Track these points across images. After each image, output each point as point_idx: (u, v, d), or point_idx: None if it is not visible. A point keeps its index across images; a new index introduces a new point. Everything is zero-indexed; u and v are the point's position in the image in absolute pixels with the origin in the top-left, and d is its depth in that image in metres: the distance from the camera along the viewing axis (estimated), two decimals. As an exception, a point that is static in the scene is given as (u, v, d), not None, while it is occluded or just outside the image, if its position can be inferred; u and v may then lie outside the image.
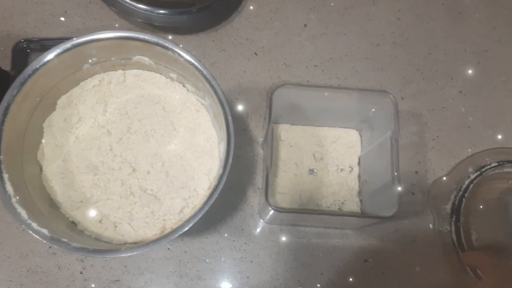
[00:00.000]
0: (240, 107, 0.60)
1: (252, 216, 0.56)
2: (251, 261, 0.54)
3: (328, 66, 0.64)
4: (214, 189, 0.41)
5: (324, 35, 0.65)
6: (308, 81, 0.62)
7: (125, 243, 0.43)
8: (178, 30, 0.63)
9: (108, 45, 0.45)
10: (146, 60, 0.48)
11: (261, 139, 0.59)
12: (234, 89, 0.61)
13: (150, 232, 0.45)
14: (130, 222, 0.45)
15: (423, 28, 0.67)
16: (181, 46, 0.45)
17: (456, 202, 0.54)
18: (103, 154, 0.47)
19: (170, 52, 0.44)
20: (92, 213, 0.44)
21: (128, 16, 0.62)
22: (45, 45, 0.57)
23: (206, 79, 0.43)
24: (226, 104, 0.43)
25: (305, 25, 0.65)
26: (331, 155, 0.57)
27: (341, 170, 0.56)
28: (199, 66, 0.44)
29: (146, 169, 0.47)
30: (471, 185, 0.54)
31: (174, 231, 0.39)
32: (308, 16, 0.66)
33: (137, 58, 0.48)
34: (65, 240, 0.38)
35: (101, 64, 0.48)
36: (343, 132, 0.58)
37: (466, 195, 0.54)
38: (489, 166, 0.56)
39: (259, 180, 0.57)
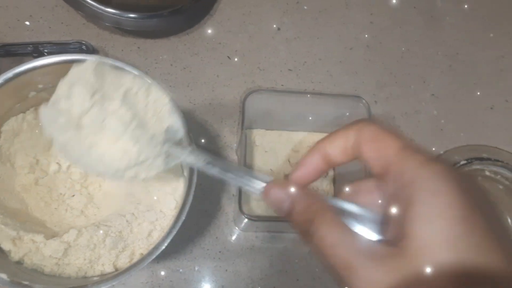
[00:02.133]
0: (213, 112, 0.59)
1: (227, 224, 0.55)
2: (226, 270, 0.53)
3: (303, 70, 0.63)
4: (181, 211, 0.39)
5: (298, 39, 0.65)
6: (282, 85, 0.62)
7: (91, 276, 0.40)
8: (148, 34, 0.61)
9: (54, 70, 0.41)
10: None
11: (235, 145, 0.58)
12: (208, 94, 0.60)
13: (118, 261, 0.42)
14: (93, 259, 0.42)
15: (396, 31, 0.67)
16: (132, 67, 0.41)
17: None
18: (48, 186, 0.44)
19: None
20: (51, 249, 0.41)
21: (96, 20, 0.60)
22: (9, 50, 0.55)
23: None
24: (184, 123, 0.39)
25: (279, 29, 0.65)
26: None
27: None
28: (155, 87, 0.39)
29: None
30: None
31: (143, 259, 0.37)
32: (281, 20, 0.65)
33: None
34: (27, 283, 0.36)
35: (49, 90, 0.44)
36: (318, 136, 0.58)
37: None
38: (458, 164, 0.56)
39: (233, 187, 0.56)
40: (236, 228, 0.55)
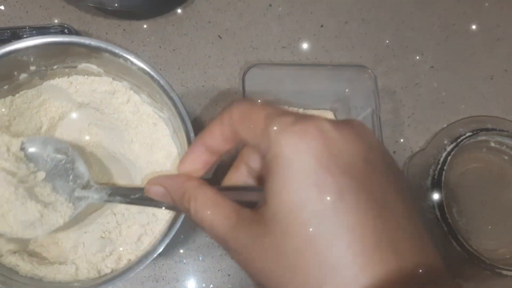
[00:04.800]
0: (207, 95, 0.56)
1: (229, 210, 0.52)
2: (232, 258, 0.50)
3: (297, 46, 0.60)
4: (176, 218, 0.36)
5: (291, 15, 0.62)
6: (282, 62, 0.59)
7: (72, 282, 0.36)
8: (133, 15, 0.58)
9: (47, 52, 0.38)
10: (93, 68, 0.41)
11: (232, 128, 0.55)
12: (200, 75, 0.57)
13: (103, 265, 0.38)
14: (76, 260, 0.38)
15: (389, 3, 0.65)
16: (134, 55, 0.38)
17: (436, 176, 0.53)
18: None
19: (121, 60, 0.38)
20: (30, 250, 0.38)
21: (76, 1, 0.56)
22: (-17, 37, 0.51)
23: (164, 90, 0.37)
24: (187, 118, 0.37)
25: (270, 5, 0.62)
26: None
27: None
28: (155, 76, 0.38)
29: None
30: (449, 157, 0.53)
31: (130, 268, 0.34)
32: (272, -5, 0.63)
33: (83, 66, 0.41)
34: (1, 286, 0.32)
35: (42, 73, 0.41)
36: (318, 113, 0.55)
37: (445, 167, 0.52)
38: (464, 136, 0.54)
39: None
40: (239, 214, 0.52)
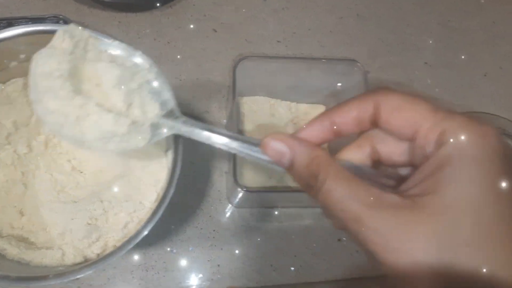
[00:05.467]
0: (201, 88, 0.57)
1: (220, 202, 0.53)
2: (221, 249, 0.51)
3: (292, 41, 0.61)
4: (160, 203, 0.36)
5: (286, 9, 0.62)
6: (274, 56, 0.59)
7: (58, 266, 0.37)
8: (130, 7, 0.58)
9: (37, 40, 0.38)
10: None
11: (224, 121, 0.55)
12: (194, 69, 0.57)
13: (89, 251, 0.39)
14: (63, 246, 0.38)
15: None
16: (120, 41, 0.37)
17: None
18: (23, 164, 0.41)
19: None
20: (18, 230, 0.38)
21: (74, -7, 0.57)
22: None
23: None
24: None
25: (266, 0, 0.62)
26: (300, 133, 0.54)
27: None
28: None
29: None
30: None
31: (112, 253, 0.34)
32: (268, -10, 0.63)
33: None
34: None
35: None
36: (310, 108, 0.56)
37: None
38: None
39: (225, 164, 0.54)
40: (230, 205, 0.53)
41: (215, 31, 0.60)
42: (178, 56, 0.58)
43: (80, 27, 0.32)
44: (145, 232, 0.34)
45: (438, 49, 0.63)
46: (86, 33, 0.33)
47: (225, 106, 0.56)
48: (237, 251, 0.51)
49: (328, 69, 0.50)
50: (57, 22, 0.53)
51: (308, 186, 0.26)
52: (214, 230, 0.52)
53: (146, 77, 0.34)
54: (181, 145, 0.37)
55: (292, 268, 0.51)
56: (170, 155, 0.37)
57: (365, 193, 0.23)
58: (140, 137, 0.32)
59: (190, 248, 0.51)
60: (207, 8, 0.60)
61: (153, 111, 0.33)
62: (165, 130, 0.33)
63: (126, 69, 0.32)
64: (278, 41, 0.61)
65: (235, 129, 0.44)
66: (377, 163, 0.28)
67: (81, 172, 0.42)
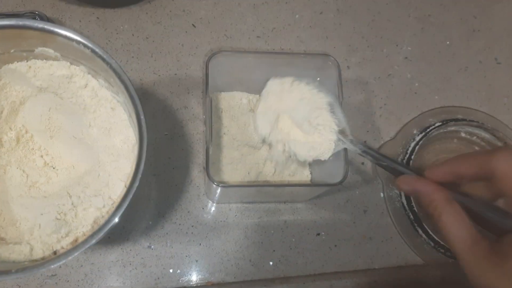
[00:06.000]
0: (179, 83, 0.56)
1: (199, 197, 0.53)
2: (200, 244, 0.51)
3: (272, 36, 0.61)
4: (125, 196, 0.35)
5: (265, 4, 0.62)
6: (248, 50, 0.59)
7: (25, 261, 0.36)
8: (107, 3, 0.58)
9: (2, 36, 0.38)
10: (50, 52, 0.41)
11: (203, 116, 0.55)
12: (172, 64, 0.57)
13: (58, 246, 0.38)
14: (31, 241, 0.38)
15: (366, -6, 0.65)
16: (87, 38, 0.38)
17: (404, 166, 0.53)
18: None
19: (74, 43, 0.37)
20: None
21: (50, -11, 0.56)
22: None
23: (115, 72, 0.37)
24: (137, 100, 0.37)
25: (245, -6, 0.62)
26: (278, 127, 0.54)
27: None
28: (106, 58, 0.37)
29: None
30: (417, 147, 0.53)
31: (76, 247, 0.34)
32: (247, -15, 0.63)
33: (40, 50, 0.41)
34: None
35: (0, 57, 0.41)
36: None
37: (412, 157, 0.53)
38: (433, 126, 0.55)
39: (203, 160, 0.54)
40: (209, 201, 0.53)
41: (194, 26, 0.59)
42: (156, 52, 0.57)
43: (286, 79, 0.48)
44: (109, 226, 0.34)
45: (417, 44, 0.64)
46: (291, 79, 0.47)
47: (204, 101, 0.56)
48: (215, 246, 0.51)
49: (305, 64, 0.50)
50: (34, 18, 0.52)
51: (429, 214, 0.34)
52: (192, 226, 0.52)
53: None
54: (145, 135, 0.36)
55: (271, 263, 0.51)
56: (136, 149, 0.36)
57: (467, 236, 0.31)
58: (327, 148, 0.46)
59: (168, 244, 0.51)
60: (186, 3, 0.60)
61: (334, 127, 0.45)
62: (340, 143, 0.45)
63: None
64: (258, 36, 0.60)
65: (208, 127, 0.43)
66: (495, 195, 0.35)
67: (53, 168, 0.42)
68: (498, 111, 0.61)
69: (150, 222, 0.51)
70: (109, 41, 0.57)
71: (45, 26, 0.36)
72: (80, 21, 0.57)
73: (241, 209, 0.53)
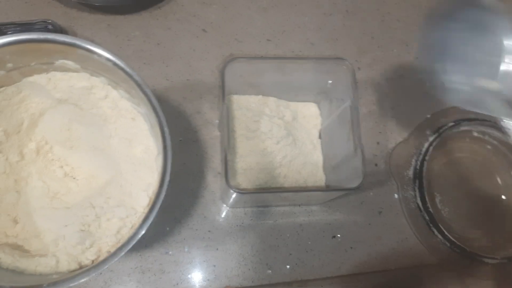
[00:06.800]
0: (192, 89, 0.57)
1: (214, 202, 0.53)
2: (217, 249, 0.51)
3: (281, 39, 0.61)
4: (152, 208, 0.36)
5: (275, 7, 0.62)
6: (262, 56, 0.59)
7: (52, 274, 0.37)
8: (118, 10, 0.58)
9: (23, 49, 0.38)
10: (70, 64, 0.42)
11: (217, 121, 0.56)
12: (184, 69, 0.57)
13: (83, 257, 0.39)
14: (57, 253, 0.38)
15: (374, -5, 0.65)
16: (108, 51, 0.38)
17: (418, 166, 0.54)
18: (16, 171, 0.41)
19: (95, 56, 0.38)
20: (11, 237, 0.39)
21: (61, -3, 0.56)
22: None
23: (138, 85, 0.38)
24: (161, 112, 0.37)
25: (255, -2, 0.62)
26: (292, 132, 0.54)
27: (303, 145, 0.54)
28: (129, 71, 0.38)
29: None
30: (431, 148, 0.54)
31: (105, 260, 0.34)
32: (256, -12, 0.63)
33: (60, 62, 0.41)
34: None
35: (19, 70, 0.41)
36: (302, 106, 0.56)
37: (426, 158, 0.53)
38: (446, 127, 0.55)
39: (218, 164, 0.54)
40: (224, 205, 0.53)
41: (205, 31, 0.60)
42: (168, 57, 0.58)
43: None
44: (138, 238, 0.34)
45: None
46: None
47: (217, 106, 0.56)
48: (232, 251, 0.51)
49: (317, 67, 0.50)
50: (46, 27, 0.53)
51: None
52: (209, 231, 0.52)
53: None
54: (170, 148, 0.37)
55: (288, 266, 0.52)
56: (160, 159, 0.37)
57: None
58: None
59: (186, 249, 0.51)
60: (196, 9, 0.60)
61: None
62: None
63: None
64: (268, 40, 0.61)
65: (226, 130, 0.44)
66: None
67: (74, 178, 0.42)
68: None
69: (168, 228, 0.51)
70: (121, 47, 0.57)
71: (66, 40, 0.36)
72: (91, 28, 0.57)
73: (256, 213, 0.53)
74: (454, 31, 0.36)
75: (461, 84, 0.36)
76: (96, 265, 0.33)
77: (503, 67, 0.34)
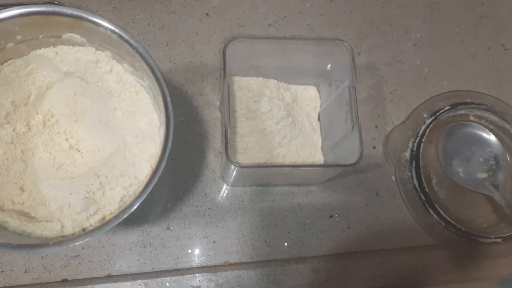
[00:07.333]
0: (194, 71, 0.58)
1: (215, 181, 0.54)
2: (217, 226, 0.53)
3: (283, 24, 0.62)
4: (153, 175, 0.37)
5: (277, -7, 0.63)
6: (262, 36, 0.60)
7: (57, 237, 0.38)
8: (123, -7, 0.59)
9: (32, 22, 0.39)
10: (77, 37, 0.43)
11: (218, 103, 0.57)
12: (187, 52, 0.59)
13: (87, 223, 0.40)
14: (62, 219, 0.40)
15: (375, -18, 0.66)
16: (114, 24, 0.40)
17: (414, 148, 0.55)
18: (23, 142, 0.42)
19: (101, 29, 0.39)
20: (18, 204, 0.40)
21: (67, -20, 0.58)
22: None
23: (142, 57, 0.39)
24: (164, 83, 0.39)
25: (257, -16, 0.63)
26: (291, 113, 0.55)
27: (303, 126, 0.55)
28: (133, 43, 0.39)
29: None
30: (427, 130, 0.55)
31: (108, 222, 0.36)
32: (259, -26, 0.64)
33: (67, 35, 0.42)
34: None
35: (28, 42, 0.42)
36: (302, 89, 0.57)
37: (423, 140, 0.54)
38: (443, 110, 0.56)
39: (219, 144, 0.55)
40: (225, 184, 0.54)
41: (207, 15, 0.61)
42: (172, 40, 0.59)
43: None
44: (139, 202, 0.35)
45: (426, 30, 0.65)
46: None
47: (219, 88, 0.57)
48: (231, 228, 0.53)
49: (317, 50, 0.51)
50: (52, 7, 0.54)
51: None
52: (209, 208, 0.53)
53: None
54: (172, 118, 0.38)
55: (286, 244, 0.53)
56: (162, 129, 0.38)
57: None
58: None
59: (186, 225, 0.52)
60: (199, -7, 0.61)
61: None
62: None
63: None
64: (270, 25, 0.62)
65: (227, 110, 0.45)
66: None
67: (79, 151, 0.43)
68: (506, 96, 0.62)
69: (169, 205, 0.53)
70: (126, 30, 0.57)
71: (74, 12, 0.37)
72: (97, 10, 0.59)
73: (255, 192, 0.54)
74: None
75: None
76: (99, 226, 0.34)
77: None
